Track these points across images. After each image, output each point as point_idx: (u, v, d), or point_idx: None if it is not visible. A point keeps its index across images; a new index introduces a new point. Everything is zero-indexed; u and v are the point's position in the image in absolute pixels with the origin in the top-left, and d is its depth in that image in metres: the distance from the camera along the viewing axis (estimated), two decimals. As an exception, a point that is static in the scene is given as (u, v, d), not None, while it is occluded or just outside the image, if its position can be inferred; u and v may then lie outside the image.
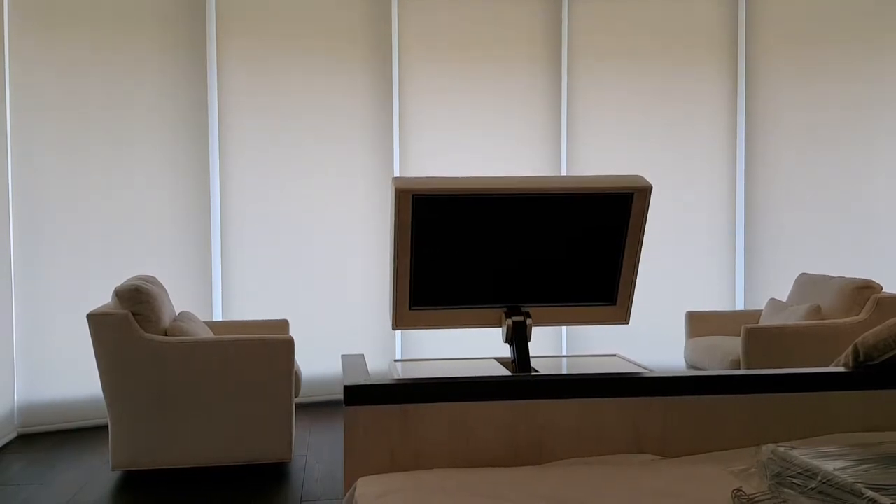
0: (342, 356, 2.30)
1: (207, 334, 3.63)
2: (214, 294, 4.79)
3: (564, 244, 2.44)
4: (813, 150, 5.36)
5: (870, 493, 1.44)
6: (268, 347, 3.38)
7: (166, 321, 3.52)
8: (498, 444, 1.94)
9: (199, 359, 3.34)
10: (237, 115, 4.80)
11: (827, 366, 2.81)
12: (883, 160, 5.22)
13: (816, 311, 4.05)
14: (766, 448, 1.73)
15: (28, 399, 4.22)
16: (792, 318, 4.11)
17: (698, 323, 4.65)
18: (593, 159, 5.41)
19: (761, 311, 4.69)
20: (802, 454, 1.65)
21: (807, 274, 4.53)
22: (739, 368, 3.87)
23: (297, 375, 3.63)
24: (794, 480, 1.60)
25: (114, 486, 3.31)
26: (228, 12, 4.76)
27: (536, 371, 2.60)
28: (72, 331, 4.33)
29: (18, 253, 4.21)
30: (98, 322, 3.29)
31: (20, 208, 4.22)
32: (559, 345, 5.46)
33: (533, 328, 5.15)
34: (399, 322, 2.49)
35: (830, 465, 1.58)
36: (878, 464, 1.59)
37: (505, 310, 2.53)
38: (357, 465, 1.89)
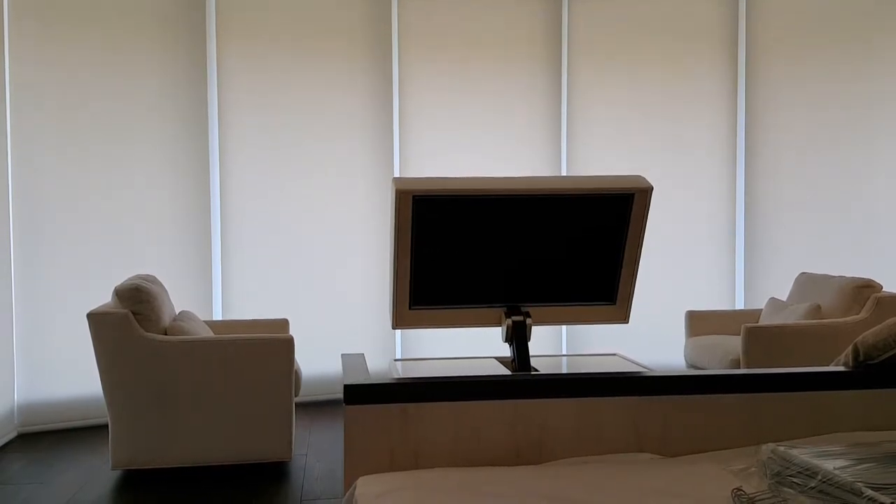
0: (342, 355, 2.30)
1: (207, 333, 3.63)
2: (214, 293, 4.79)
3: (564, 244, 2.44)
4: (813, 150, 5.36)
5: (870, 493, 1.44)
6: (268, 347, 3.38)
7: (166, 320, 3.52)
8: (498, 444, 1.94)
9: (199, 358, 3.34)
10: (237, 115, 4.80)
11: (827, 365, 2.81)
12: (883, 160, 5.22)
13: (816, 311, 4.05)
14: (766, 447, 1.73)
15: (28, 398, 4.22)
16: (792, 318, 4.11)
17: (698, 322, 4.65)
18: (593, 159, 5.41)
19: (761, 310, 4.69)
20: (802, 453, 1.65)
21: (807, 273, 4.53)
22: (739, 368, 3.87)
23: (297, 374, 3.63)
24: (794, 479, 1.60)
25: (114, 486, 3.31)
26: (228, 12, 4.76)
27: (536, 370, 2.60)
28: (72, 330, 4.33)
29: (18, 252, 4.21)
30: (98, 321, 3.29)
31: (20, 208, 4.22)
32: (559, 344, 5.46)
33: (533, 327, 5.15)
34: (399, 321, 2.49)
35: (830, 465, 1.58)
36: (878, 463, 1.59)
37: (504, 309, 2.53)
38: (357, 464, 1.89)
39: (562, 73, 5.39)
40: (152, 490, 3.23)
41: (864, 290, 4.02)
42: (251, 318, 4.68)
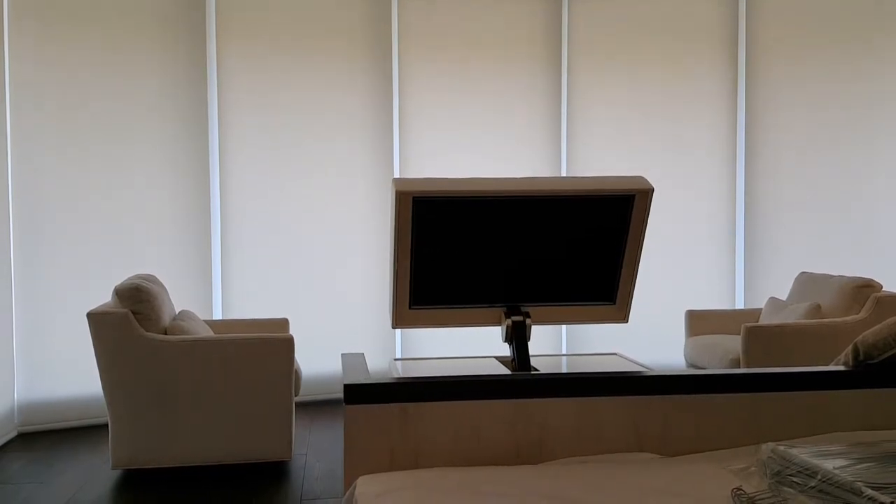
0: (342, 355, 2.30)
1: (207, 333, 3.63)
2: (214, 293, 4.79)
3: (565, 245, 2.44)
4: (813, 150, 5.36)
5: (869, 492, 1.44)
6: (268, 346, 3.38)
7: (166, 320, 3.52)
8: (498, 443, 1.94)
9: (199, 357, 3.34)
10: (237, 115, 4.81)
11: (827, 364, 2.82)
12: (883, 160, 5.22)
13: (816, 310, 4.05)
14: (766, 447, 1.73)
15: (28, 398, 4.22)
16: (792, 317, 4.11)
17: (698, 321, 4.65)
18: (593, 159, 5.42)
19: (761, 309, 4.69)
20: (802, 453, 1.65)
21: (807, 273, 4.53)
22: (739, 367, 3.87)
23: (297, 374, 3.63)
24: (794, 479, 1.60)
25: (113, 485, 3.31)
26: (228, 12, 4.76)
27: (536, 370, 2.61)
28: (72, 330, 4.33)
29: (18, 252, 4.21)
30: (98, 321, 3.29)
31: (20, 207, 4.22)
32: (559, 344, 5.47)
33: (532, 327, 5.15)
34: (399, 321, 2.49)
35: (830, 464, 1.58)
36: (877, 462, 1.60)
37: (504, 309, 2.53)
38: (357, 463, 1.89)
39: (562, 73, 5.39)
40: (152, 490, 3.23)
41: (863, 289, 4.02)
42: (251, 317, 4.68)
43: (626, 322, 2.64)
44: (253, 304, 4.86)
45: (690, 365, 4.55)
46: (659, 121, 5.44)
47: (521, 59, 5.30)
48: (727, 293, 5.52)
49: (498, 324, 2.56)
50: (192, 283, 4.67)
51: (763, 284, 5.46)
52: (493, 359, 2.88)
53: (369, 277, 5.09)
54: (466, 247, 2.39)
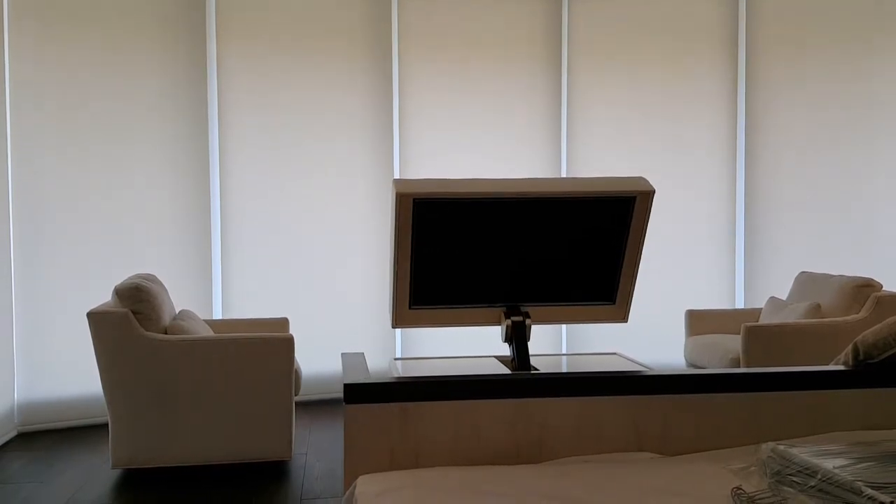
0: (342, 354, 2.30)
1: (207, 333, 3.63)
2: (214, 292, 4.79)
3: (565, 246, 2.44)
4: (813, 150, 5.36)
5: (869, 492, 1.44)
6: (268, 346, 3.38)
7: (166, 319, 3.52)
8: (498, 443, 1.94)
9: (200, 357, 3.34)
10: (237, 115, 4.81)
11: (827, 364, 2.82)
12: (883, 160, 5.22)
13: (816, 310, 4.05)
14: (766, 446, 1.73)
15: (28, 397, 4.22)
16: (792, 317, 4.11)
17: (698, 321, 4.65)
18: (593, 159, 5.42)
19: (761, 309, 4.69)
20: (802, 452, 1.65)
21: (807, 272, 4.53)
22: (739, 367, 3.87)
23: (297, 374, 3.63)
24: (794, 478, 1.60)
25: (113, 485, 3.31)
26: (228, 12, 4.77)
27: (536, 369, 2.61)
28: (72, 329, 4.33)
29: (18, 252, 4.21)
30: (98, 320, 3.29)
31: (20, 207, 4.22)
32: (559, 343, 5.47)
33: (532, 327, 5.14)
34: (398, 321, 2.49)
35: (830, 464, 1.58)
36: (877, 462, 1.60)
37: (504, 309, 2.53)
38: (357, 463, 1.89)
39: (562, 73, 5.39)
40: (152, 489, 3.23)
41: (863, 289, 4.02)
42: (251, 317, 4.68)
43: (626, 322, 2.64)
44: (253, 303, 4.87)
45: (690, 365, 4.55)
46: (659, 121, 5.44)
47: (521, 59, 5.30)
48: (727, 293, 5.52)
49: (498, 323, 2.56)
50: (192, 283, 4.67)
51: (763, 284, 5.46)
52: (493, 358, 2.88)
53: (369, 277, 5.09)
54: (466, 247, 2.39)
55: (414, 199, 2.26)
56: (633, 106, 5.43)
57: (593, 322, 2.60)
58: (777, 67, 5.41)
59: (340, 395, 4.99)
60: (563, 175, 5.42)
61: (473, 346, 5.25)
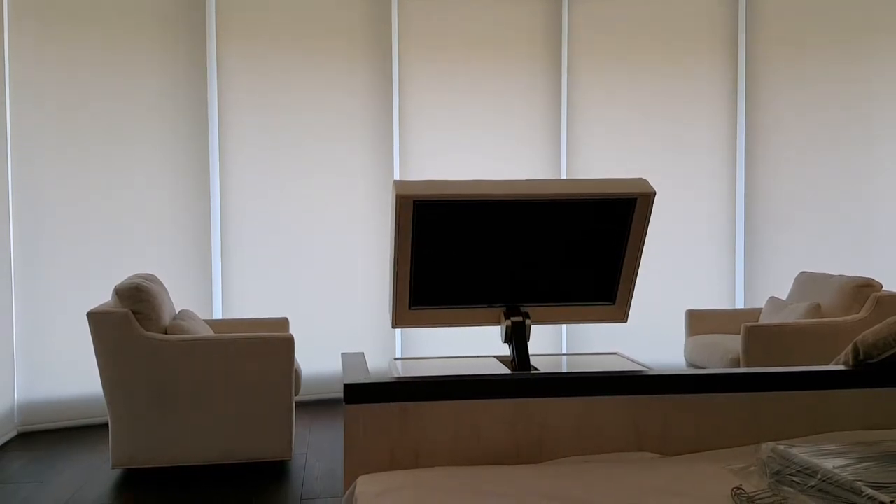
0: (342, 354, 2.30)
1: (207, 332, 3.63)
2: (214, 292, 4.79)
3: (565, 247, 2.44)
4: (813, 150, 5.36)
5: (869, 491, 1.44)
6: (268, 346, 3.38)
7: (166, 319, 3.52)
8: (498, 443, 1.94)
9: (200, 357, 3.34)
10: (237, 115, 4.81)
11: (827, 364, 2.82)
12: (883, 160, 5.22)
13: (816, 310, 4.05)
14: (766, 446, 1.73)
15: (28, 397, 4.22)
16: (792, 317, 4.11)
17: (698, 321, 4.65)
18: (593, 159, 5.42)
19: (761, 309, 4.69)
20: (802, 452, 1.65)
21: (807, 272, 4.53)
22: (739, 367, 3.87)
23: (297, 373, 3.63)
24: (794, 478, 1.60)
25: (113, 485, 3.31)
26: (228, 12, 4.77)
27: (536, 369, 2.61)
28: (72, 329, 4.33)
29: (18, 252, 4.21)
30: (98, 320, 3.29)
31: (20, 207, 4.22)
32: (559, 343, 5.47)
33: (532, 327, 5.14)
34: (398, 321, 2.49)
35: (830, 464, 1.58)
36: (877, 462, 1.60)
37: (504, 309, 2.53)
38: (357, 463, 1.89)
39: (562, 73, 5.39)
40: (152, 489, 3.23)
41: (863, 289, 4.02)
42: (251, 317, 4.68)
43: (626, 322, 2.64)
44: (253, 303, 4.87)
45: (690, 364, 4.55)
46: (659, 121, 5.44)
47: (521, 59, 5.30)
48: (727, 293, 5.53)
49: (497, 324, 2.56)
50: (192, 283, 4.67)
51: (763, 284, 5.46)
52: (493, 358, 2.88)
53: (369, 277, 5.09)
54: (466, 248, 2.39)
55: (414, 201, 2.26)
56: (633, 106, 5.43)
57: (593, 322, 2.60)
58: (777, 67, 5.41)
59: (340, 395, 4.99)
60: (563, 175, 5.42)
61: (473, 346, 5.25)
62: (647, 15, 5.41)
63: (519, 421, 1.94)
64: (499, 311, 2.54)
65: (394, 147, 5.16)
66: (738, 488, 1.61)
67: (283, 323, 4.21)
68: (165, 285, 4.50)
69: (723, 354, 4.05)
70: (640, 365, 2.75)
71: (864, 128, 5.25)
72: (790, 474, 1.61)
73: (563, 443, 1.96)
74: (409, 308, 2.48)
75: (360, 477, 1.81)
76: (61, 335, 4.32)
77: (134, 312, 3.34)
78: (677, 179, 5.47)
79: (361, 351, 5.09)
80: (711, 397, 2.01)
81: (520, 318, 2.50)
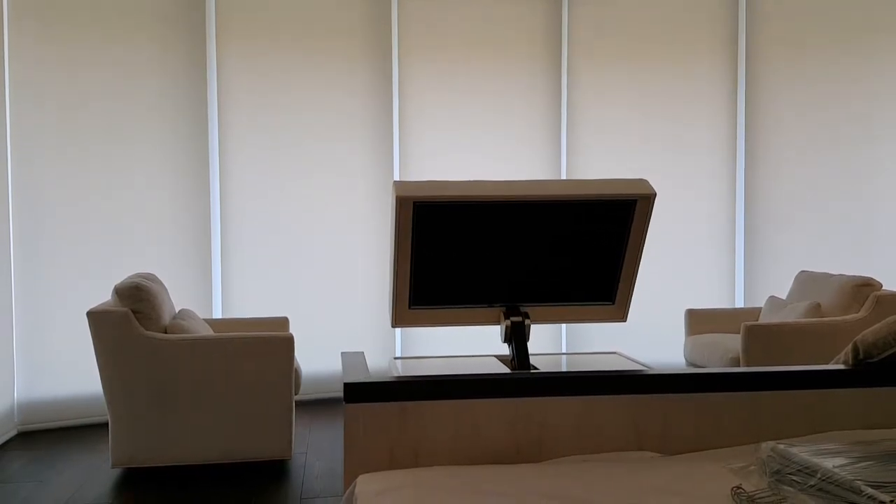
0: (342, 354, 2.30)
1: (207, 332, 3.63)
2: (214, 292, 4.79)
3: (565, 248, 2.44)
4: (813, 150, 5.36)
5: (869, 491, 1.44)
6: (268, 345, 3.38)
7: (166, 319, 3.52)
8: (498, 442, 1.94)
9: (199, 356, 3.34)
10: (237, 115, 4.81)
11: (826, 363, 2.82)
12: (883, 160, 5.22)
13: (816, 309, 4.05)
14: (766, 445, 1.73)
15: (28, 396, 4.23)
16: (791, 316, 4.11)
17: (698, 320, 4.65)
18: (593, 159, 5.42)
19: (761, 308, 4.69)
20: (802, 451, 1.66)
21: (806, 271, 4.53)
22: (739, 366, 3.87)
23: (297, 373, 3.63)
24: (794, 478, 1.60)
25: (113, 484, 3.31)
26: (228, 12, 4.77)
27: (536, 368, 2.61)
28: (72, 328, 4.33)
29: (19, 251, 4.21)
30: (98, 319, 3.29)
31: (20, 207, 4.22)
32: (559, 342, 5.47)
33: (532, 326, 5.14)
34: (398, 320, 2.49)
35: (830, 463, 1.58)
36: (877, 461, 1.60)
37: (504, 309, 2.53)
38: (357, 462, 1.90)
39: (562, 73, 5.39)
40: (152, 489, 3.23)
41: (863, 288, 4.02)
42: (251, 316, 4.68)
43: (625, 321, 2.64)
44: (253, 302, 4.87)
45: (690, 364, 4.55)
46: (659, 121, 5.44)
47: (521, 59, 5.30)
48: (727, 292, 5.53)
49: (497, 323, 2.56)
50: (192, 283, 4.67)
51: (763, 283, 5.46)
52: (493, 358, 2.88)
53: (369, 277, 5.09)
54: (466, 249, 2.39)
55: (414, 202, 2.26)
56: (633, 106, 5.43)
57: (592, 322, 2.60)
58: (777, 67, 5.41)
59: (340, 394, 4.99)
60: (563, 175, 5.42)
61: (473, 345, 5.25)
62: (647, 15, 5.42)
63: (519, 420, 1.94)
64: (498, 310, 2.54)
65: (394, 147, 5.16)
66: (738, 487, 1.61)
67: (283, 322, 4.21)
68: (165, 285, 4.50)
69: (723, 354, 4.05)
70: (640, 364, 2.75)
71: (864, 128, 5.25)
72: (790, 473, 1.61)
73: (562, 442, 1.96)
74: (409, 308, 2.48)
75: (360, 476, 1.81)
76: (61, 335, 4.32)
77: (134, 312, 3.34)
78: (677, 179, 5.47)
79: (361, 350, 5.08)
80: (711, 396, 2.01)
81: (519, 318, 2.50)
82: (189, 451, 3.37)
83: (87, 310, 3.58)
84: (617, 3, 5.40)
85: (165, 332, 3.42)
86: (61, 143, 4.33)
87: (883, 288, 4.12)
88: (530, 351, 2.90)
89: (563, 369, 2.75)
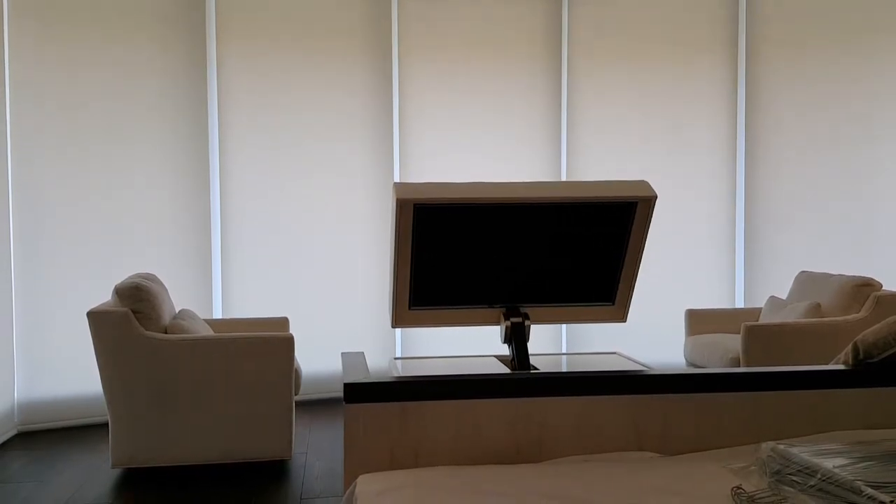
0: (342, 354, 2.30)
1: (207, 332, 3.63)
2: (214, 292, 4.79)
3: (565, 249, 2.44)
4: (813, 150, 5.36)
5: (869, 491, 1.44)
6: (268, 345, 3.38)
7: (166, 319, 3.52)
8: (498, 442, 1.94)
9: (200, 356, 3.34)
10: (237, 115, 4.81)
11: (826, 363, 2.82)
12: (883, 160, 5.22)
13: (816, 309, 4.05)
14: (766, 445, 1.73)
15: (28, 396, 4.23)
16: (792, 316, 4.11)
17: (698, 320, 4.65)
18: (593, 159, 5.42)
19: (761, 308, 4.69)
20: (802, 452, 1.66)
21: (807, 272, 4.53)
22: (739, 366, 3.87)
23: (297, 373, 3.63)
24: (794, 478, 1.60)
25: (113, 484, 3.31)
26: (228, 12, 4.77)
27: (536, 369, 2.61)
28: (72, 328, 4.33)
29: (19, 251, 4.21)
30: (98, 320, 3.29)
31: (20, 207, 4.22)
32: (559, 343, 5.47)
33: (532, 326, 5.14)
34: (398, 321, 2.49)
35: (830, 463, 1.58)
36: (877, 461, 1.60)
37: (504, 310, 2.53)
38: (357, 462, 1.89)
39: (562, 73, 5.39)
40: (152, 489, 3.23)
41: (863, 288, 4.02)
42: (251, 316, 4.68)
43: (625, 321, 2.64)
44: (253, 302, 4.87)
45: (690, 364, 4.55)
46: (659, 121, 5.44)
47: (521, 59, 5.30)
48: (727, 292, 5.53)
49: (497, 323, 2.56)
50: (192, 283, 4.67)
51: (763, 283, 5.46)
52: (493, 358, 2.88)
53: (369, 277, 5.09)
54: (466, 250, 2.39)
55: (414, 205, 2.25)
56: (633, 106, 5.43)
57: (592, 322, 2.60)
58: (777, 67, 5.41)
59: (340, 394, 4.99)
60: (564, 175, 5.42)
61: (473, 346, 5.25)
62: (647, 15, 5.41)
63: (519, 420, 1.94)
64: (498, 311, 2.54)
65: (394, 147, 5.16)
66: (738, 488, 1.61)
67: (283, 322, 4.21)
68: (165, 285, 4.50)
69: (723, 354, 4.05)
70: (640, 364, 2.75)
71: (864, 128, 5.25)
72: (790, 474, 1.61)
73: (563, 442, 1.96)
74: (409, 308, 2.48)
75: (361, 476, 1.81)
76: (61, 335, 4.32)
77: (134, 312, 3.34)
78: (677, 179, 5.47)
79: (361, 350, 5.09)
80: (711, 397, 2.01)
81: (519, 319, 2.50)
82: (189, 451, 3.37)
83: (88, 310, 3.58)
84: (617, 3, 5.40)
85: (165, 332, 3.42)
86: (61, 143, 4.33)
87: (883, 288, 4.12)
88: (530, 351, 2.90)
89: (563, 369, 2.75)
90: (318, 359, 4.96)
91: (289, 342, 3.40)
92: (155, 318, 3.39)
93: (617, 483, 1.69)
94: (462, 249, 2.38)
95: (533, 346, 5.19)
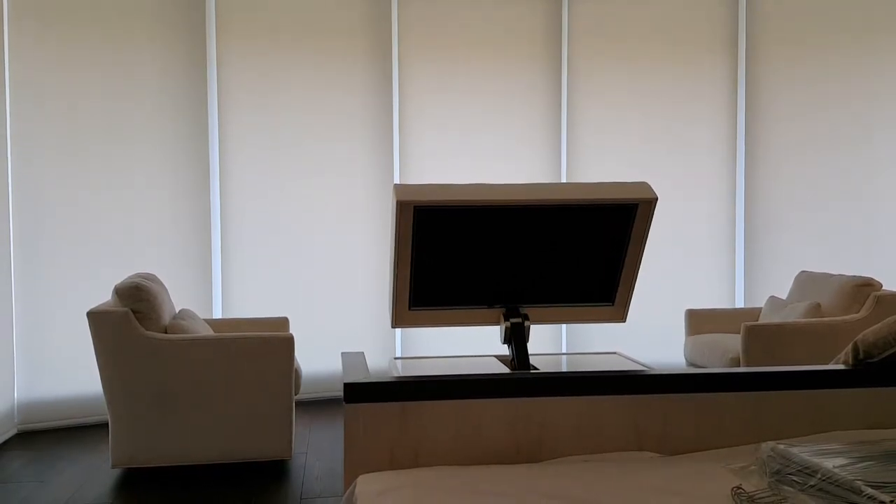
0: (342, 354, 2.30)
1: (207, 332, 3.63)
2: (214, 292, 4.79)
3: (565, 250, 2.44)
4: (813, 150, 5.36)
5: (869, 491, 1.44)
6: (268, 345, 3.38)
7: (166, 319, 3.52)
8: (498, 442, 1.94)
9: (199, 356, 3.34)
10: (237, 114, 4.81)
11: (826, 363, 2.82)
12: (883, 160, 5.22)
13: (816, 309, 4.05)
14: (766, 445, 1.73)
15: (28, 396, 4.22)
16: (792, 316, 4.11)
17: (698, 320, 4.65)
18: (593, 159, 5.42)
19: (761, 308, 4.69)
20: (802, 452, 1.65)
21: (807, 271, 4.53)
22: (739, 366, 3.87)
23: (297, 373, 3.63)
24: (794, 478, 1.60)
25: (113, 484, 3.31)
26: (228, 12, 4.76)
27: (536, 369, 2.61)
28: (72, 328, 4.33)
29: (19, 250, 4.21)
30: (98, 320, 3.29)
31: (20, 207, 4.22)
32: (559, 343, 5.47)
33: (532, 327, 5.14)
34: (398, 321, 2.49)
35: (830, 463, 1.58)
36: (878, 461, 1.60)
37: (503, 310, 2.53)
38: (357, 462, 1.89)
39: (562, 73, 5.39)
40: (152, 489, 3.23)
41: (863, 288, 4.02)
42: (251, 316, 4.68)
43: (624, 322, 2.64)
44: (253, 302, 4.87)
45: (690, 364, 4.55)
46: (659, 121, 5.44)
47: (521, 60, 5.30)
48: (727, 292, 5.53)
49: (497, 323, 2.56)
50: (192, 283, 4.67)
51: (763, 284, 5.46)
52: (493, 358, 2.88)
53: (369, 277, 5.09)
54: (466, 251, 2.39)
55: (414, 206, 2.25)
56: (633, 106, 5.43)
57: (592, 322, 2.60)
58: (777, 67, 5.41)
59: (340, 394, 4.99)
60: (564, 175, 5.42)
61: (473, 346, 5.25)
62: (647, 15, 5.41)
63: (519, 420, 1.94)
64: (498, 311, 2.54)
65: (394, 147, 5.16)
66: (738, 488, 1.61)
67: (283, 322, 4.21)
68: (165, 285, 4.50)
69: (723, 354, 4.05)
70: (641, 364, 2.75)
71: (864, 128, 5.25)
72: (790, 474, 1.61)
73: (563, 442, 1.96)
74: (409, 308, 2.48)
75: (361, 476, 1.81)
76: (61, 334, 4.32)
77: (134, 312, 3.34)
78: (677, 179, 5.47)
79: (361, 350, 5.09)
80: (712, 397, 2.01)
81: (519, 320, 2.50)
82: (189, 451, 3.37)
83: (88, 310, 3.58)
84: (617, 2, 5.39)
85: (165, 332, 3.42)
86: (61, 143, 4.33)
87: (883, 288, 4.12)
88: (530, 351, 2.90)
89: (564, 369, 2.75)
90: (318, 359, 4.96)
91: (289, 342, 3.40)
92: (155, 318, 3.39)
93: (617, 483, 1.69)
94: (462, 250, 2.38)
95: (533, 346, 5.19)
